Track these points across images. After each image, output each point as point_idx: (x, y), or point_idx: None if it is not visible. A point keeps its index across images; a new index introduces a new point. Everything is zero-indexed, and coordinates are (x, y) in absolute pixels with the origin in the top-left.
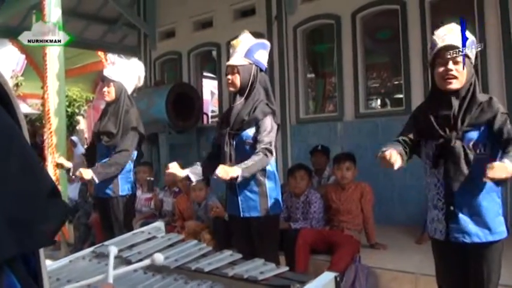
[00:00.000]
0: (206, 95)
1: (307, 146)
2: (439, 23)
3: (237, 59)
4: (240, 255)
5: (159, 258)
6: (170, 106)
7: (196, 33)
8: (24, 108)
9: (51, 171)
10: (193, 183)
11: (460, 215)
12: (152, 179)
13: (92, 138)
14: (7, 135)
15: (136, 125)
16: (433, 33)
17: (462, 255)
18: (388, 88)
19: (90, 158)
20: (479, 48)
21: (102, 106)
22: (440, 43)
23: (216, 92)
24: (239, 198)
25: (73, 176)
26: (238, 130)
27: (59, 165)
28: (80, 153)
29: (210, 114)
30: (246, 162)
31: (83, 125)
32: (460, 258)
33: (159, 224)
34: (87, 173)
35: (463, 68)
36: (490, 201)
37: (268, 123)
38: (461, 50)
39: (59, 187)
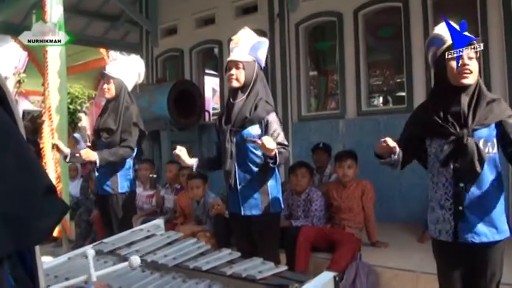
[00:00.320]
0: (208, 93)
1: (309, 144)
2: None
3: (242, 54)
4: (238, 254)
5: (136, 261)
6: (172, 103)
7: (198, 30)
8: (26, 105)
9: (53, 168)
10: (193, 171)
11: (469, 215)
12: (155, 176)
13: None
14: (4, 132)
15: (137, 121)
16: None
17: (467, 255)
18: (390, 86)
19: None
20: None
21: (104, 103)
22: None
23: (217, 89)
24: (240, 196)
25: (69, 160)
26: (239, 127)
27: (54, 146)
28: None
29: (211, 111)
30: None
31: (85, 122)
32: (464, 258)
33: (159, 222)
34: (93, 155)
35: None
36: (496, 200)
37: (276, 122)
38: (477, 45)
39: (61, 184)
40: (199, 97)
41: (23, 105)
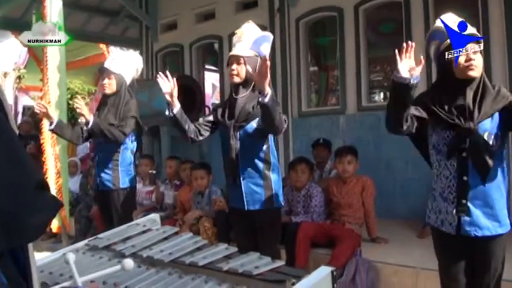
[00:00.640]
0: (208, 88)
1: (309, 139)
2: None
3: (243, 49)
4: (235, 249)
5: (129, 263)
6: None
7: (198, 25)
8: (26, 100)
9: (53, 163)
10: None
11: (473, 208)
12: (154, 171)
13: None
14: None
15: (135, 115)
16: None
17: (469, 248)
18: (390, 81)
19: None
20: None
21: (101, 98)
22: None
23: (217, 84)
24: (243, 191)
25: (53, 128)
26: (243, 123)
27: (45, 114)
28: (83, 148)
29: (211, 107)
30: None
31: None
32: (466, 251)
33: (155, 216)
34: (88, 114)
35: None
36: (499, 194)
37: None
38: (481, 39)
39: (60, 180)
40: (199, 93)
41: (23, 101)
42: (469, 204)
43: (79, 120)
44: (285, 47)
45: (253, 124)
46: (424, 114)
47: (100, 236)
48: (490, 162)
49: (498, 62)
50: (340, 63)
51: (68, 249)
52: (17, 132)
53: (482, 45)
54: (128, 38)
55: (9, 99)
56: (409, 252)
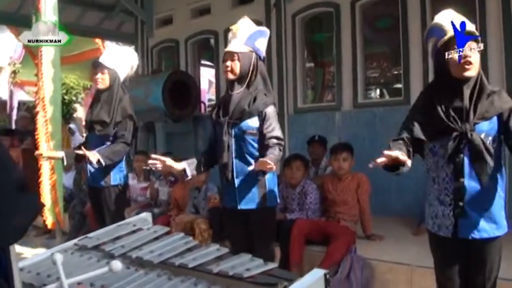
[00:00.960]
0: (204, 84)
1: (305, 136)
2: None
3: (238, 45)
4: (226, 250)
5: (116, 265)
6: (167, 94)
7: (194, 20)
8: (21, 95)
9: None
10: (189, 178)
11: (470, 211)
12: (149, 168)
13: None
14: None
15: (132, 114)
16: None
17: (466, 250)
18: (387, 78)
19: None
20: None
21: (95, 94)
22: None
23: (213, 80)
24: (237, 190)
25: (67, 163)
26: (237, 120)
27: (50, 158)
28: (78, 143)
29: (207, 103)
30: (270, 156)
31: (80, 113)
32: (462, 253)
33: (146, 215)
34: (94, 156)
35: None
36: (496, 196)
37: (274, 115)
38: (479, 36)
39: (55, 176)
40: (194, 88)
41: (18, 96)
42: (466, 206)
43: (73, 116)
44: (281, 42)
45: (248, 123)
46: (419, 134)
47: (90, 235)
48: (490, 161)
49: (495, 57)
50: (336, 60)
51: (56, 249)
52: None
53: (482, 45)
54: (123, 33)
55: (5, 94)
56: (404, 249)
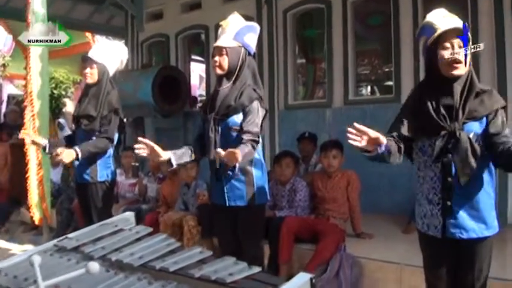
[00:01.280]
0: (195, 79)
1: (295, 133)
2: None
3: (226, 40)
4: (210, 253)
5: (94, 267)
6: (157, 89)
7: (184, 15)
8: (10, 89)
9: (34, 154)
10: (174, 167)
11: (458, 210)
12: (137, 164)
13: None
14: None
15: (118, 107)
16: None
17: (455, 249)
18: (378, 75)
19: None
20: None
21: (83, 88)
22: (444, 26)
23: (204, 75)
24: (225, 187)
25: (50, 155)
26: (224, 116)
27: (34, 143)
28: (62, 137)
29: (198, 98)
30: (238, 151)
31: (70, 107)
32: (451, 253)
33: (129, 215)
34: (71, 154)
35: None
36: (486, 195)
37: (256, 111)
38: (467, 33)
39: (42, 171)
40: (184, 84)
41: (7, 89)
42: (454, 206)
43: (63, 110)
44: (272, 38)
45: (234, 118)
46: (408, 132)
47: (70, 235)
48: (474, 163)
49: (486, 55)
50: (327, 56)
51: (35, 250)
52: (3, 121)
53: (482, 45)
54: (113, 26)
55: None
56: (394, 247)
